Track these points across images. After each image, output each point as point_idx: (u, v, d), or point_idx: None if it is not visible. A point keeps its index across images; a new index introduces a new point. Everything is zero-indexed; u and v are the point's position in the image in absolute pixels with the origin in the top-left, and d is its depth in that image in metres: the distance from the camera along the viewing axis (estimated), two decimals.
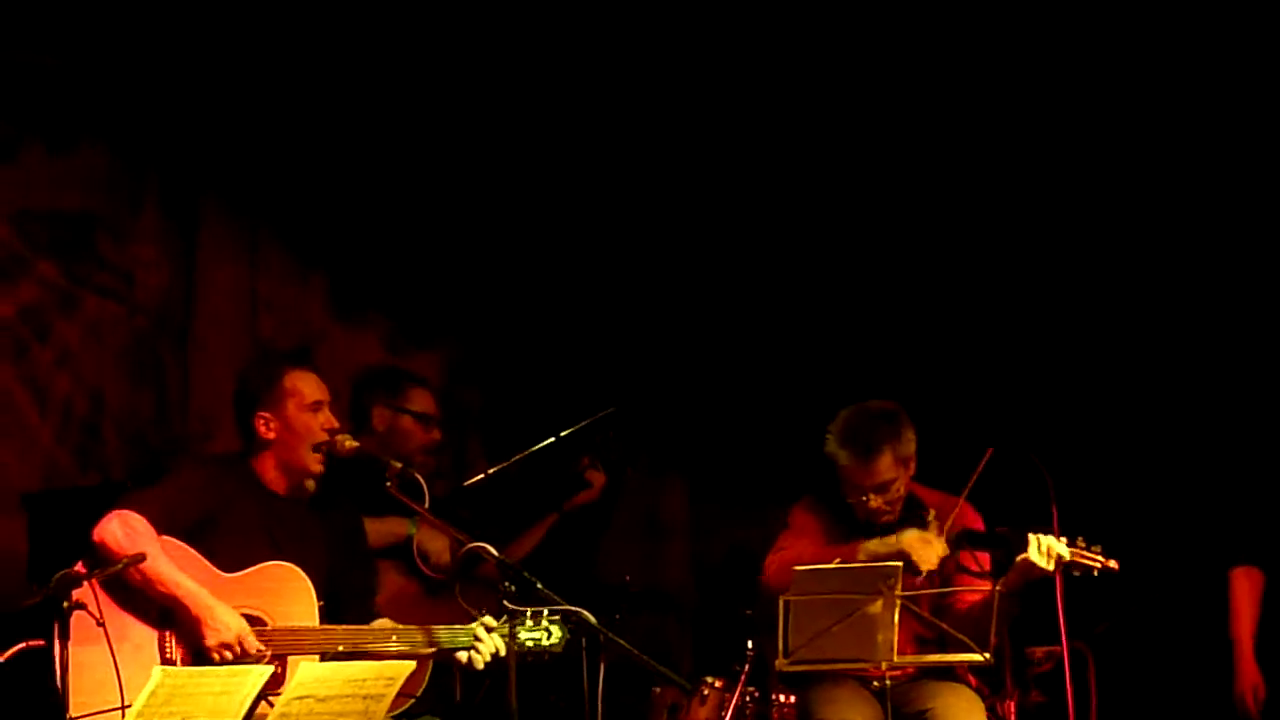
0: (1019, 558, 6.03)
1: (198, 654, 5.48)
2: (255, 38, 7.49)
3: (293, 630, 5.59)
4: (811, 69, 8.09)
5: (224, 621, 5.47)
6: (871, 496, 6.31)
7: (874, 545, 6.13)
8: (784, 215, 8.34)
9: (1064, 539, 6.02)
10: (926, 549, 6.04)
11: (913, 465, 6.39)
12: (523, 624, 5.68)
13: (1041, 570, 5.99)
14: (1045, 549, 5.98)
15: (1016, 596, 6.08)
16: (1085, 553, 6.01)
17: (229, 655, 5.45)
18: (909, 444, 6.36)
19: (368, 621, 5.80)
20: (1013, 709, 6.61)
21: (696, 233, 8.36)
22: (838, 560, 6.05)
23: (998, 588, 5.88)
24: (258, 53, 7.52)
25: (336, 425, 5.84)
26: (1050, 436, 6.96)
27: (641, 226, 8.32)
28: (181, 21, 7.34)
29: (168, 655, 5.48)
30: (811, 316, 8.37)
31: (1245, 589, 6.89)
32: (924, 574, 6.03)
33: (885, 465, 6.31)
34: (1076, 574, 6.01)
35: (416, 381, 6.92)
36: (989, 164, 8.14)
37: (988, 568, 6.24)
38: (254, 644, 5.48)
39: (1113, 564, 6.04)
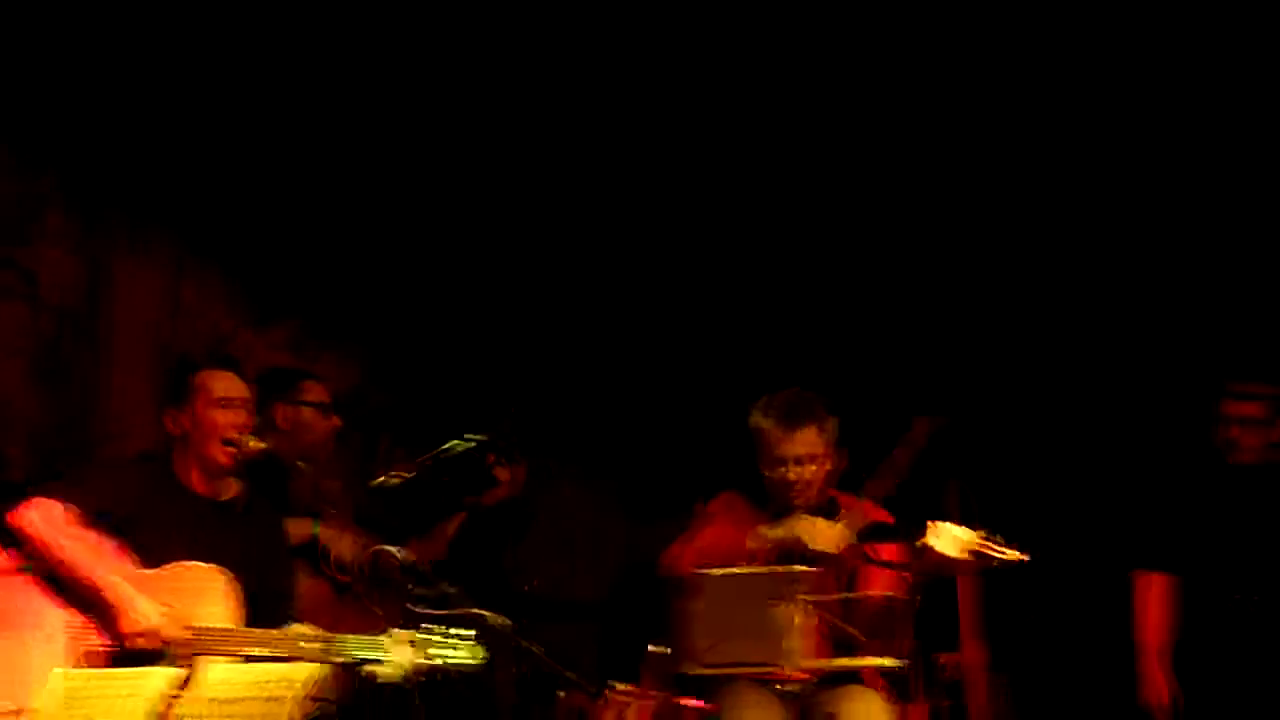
0: (918, 543, 6.06)
1: (116, 643, 5.46)
2: (160, 32, 7.43)
3: (206, 630, 5.56)
4: (748, 58, 8.09)
5: (142, 610, 5.47)
6: (791, 467, 6.34)
7: (768, 530, 6.16)
8: (697, 219, 8.34)
9: (972, 530, 6.05)
10: (821, 534, 6.07)
11: (832, 458, 6.40)
12: (433, 639, 5.68)
13: (944, 557, 6.01)
14: (951, 538, 6.02)
15: (918, 589, 6.11)
16: (990, 544, 6.03)
17: (145, 644, 5.44)
18: (832, 430, 6.40)
19: (284, 624, 5.79)
20: (920, 715, 6.64)
21: (608, 237, 8.34)
22: (736, 555, 6.07)
23: (905, 596, 5.90)
24: (163, 49, 7.45)
25: (246, 424, 5.86)
26: (965, 441, 7.00)
27: (552, 230, 8.30)
28: (88, 17, 7.27)
29: (80, 645, 5.47)
30: (722, 325, 8.37)
31: (1153, 596, 6.93)
32: (818, 556, 6.03)
33: (808, 437, 6.34)
34: (979, 565, 6.03)
35: (308, 375, 6.96)
36: (910, 170, 8.18)
37: (897, 558, 6.28)
38: (171, 632, 5.45)
39: (1020, 555, 6.05)
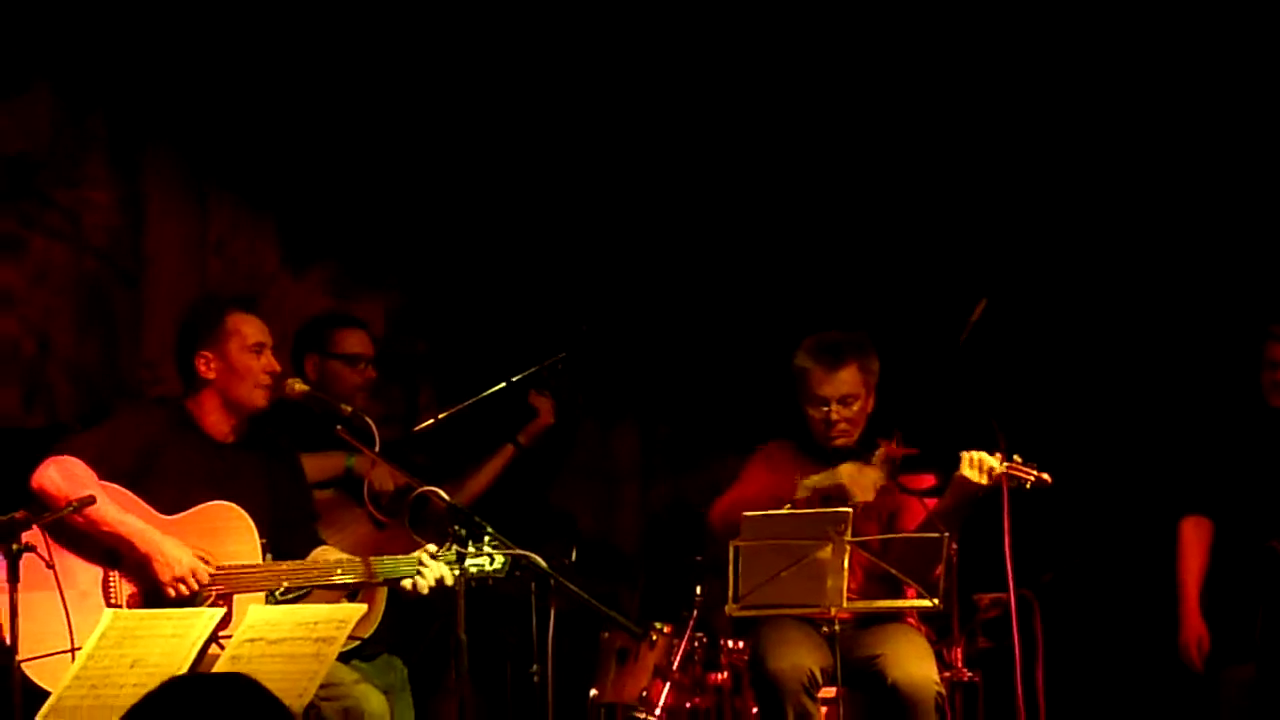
0: (954, 475, 6.11)
1: (148, 593, 5.48)
2: None
3: (237, 568, 5.59)
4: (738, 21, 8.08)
5: (174, 556, 5.47)
6: (835, 408, 6.38)
7: (812, 479, 6.23)
8: (742, 167, 8.32)
9: (1001, 456, 6.09)
10: (863, 479, 6.14)
11: (873, 399, 6.44)
12: (465, 554, 5.69)
13: (975, 484, 6.06)
14: (977, 462, 6.06)
15: (956, 519, 6.15)
16: (1019, 466, 6.07)
17: (184, 589, 5.46)
18: (874, 369, 6.47)
19: (310, 550, 5.82)
20: (960, 655, 6.67)
21: (650, 181, 8.33)
22: (779, 502, 6.12)
23: (942, 532, 5.93)
24: None
25: (278, 369, 5.87)
26: (1004, 385, 7.00)
27: (594, 175, 8.28)
28: None
29: (113, 599, 5.47)
30: (763, 266, 8.36)
31: (1193, 539, 6.93)
32: (860, 505, 6.08)
33: (850, 377, 6.40)
34: (1012, 485, 6.06)
35: (346, 323, 6.92)
36: (932, 123, 8.16)
37: (933, 484, 6.33)
38: (205, 573, 5.48)
39: (1046, 476, 6.10)
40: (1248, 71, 7.77)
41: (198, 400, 5.83)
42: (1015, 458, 6.13)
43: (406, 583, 5.67)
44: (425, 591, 5.63)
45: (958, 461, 6.17)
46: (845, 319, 6.82)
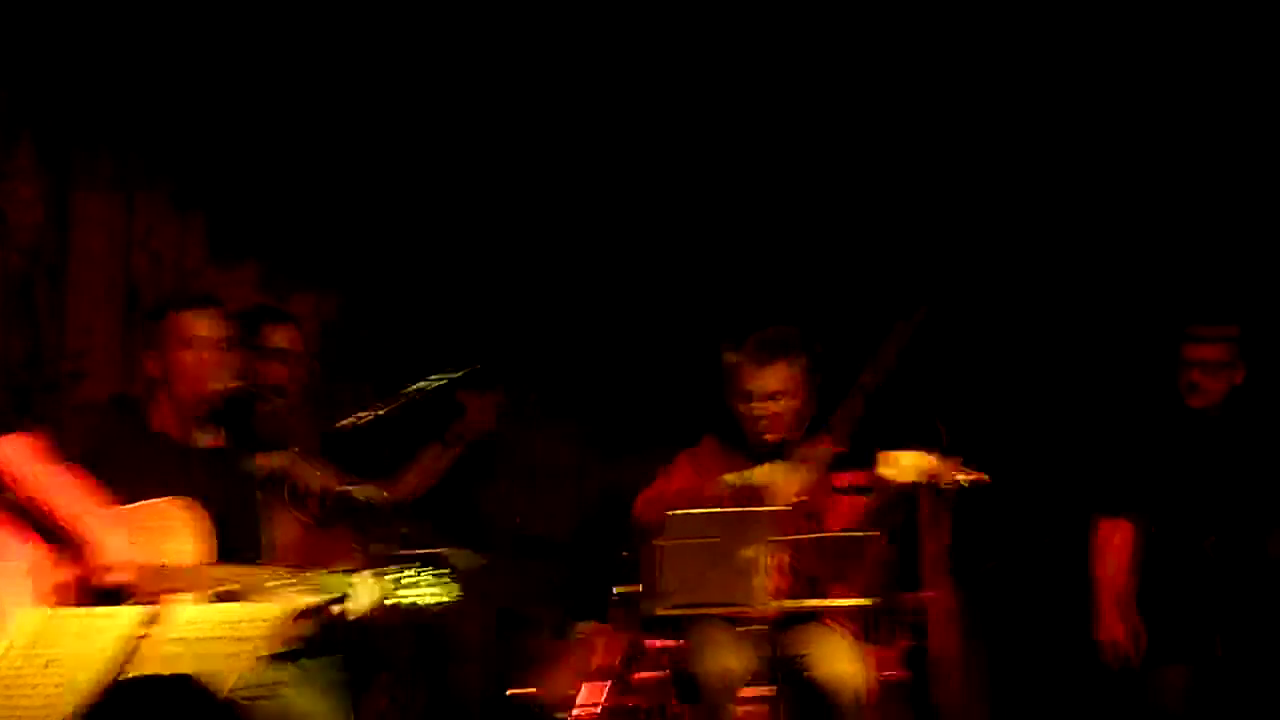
0: (874, 472, 6.11)
1: (80, 579, 5.45)
2: None
3: (169, 568, 5.56)
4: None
5: (111, 545, 5.45)
6: (761, 404, 6.37)
7: (730, 478, 6.21)
8: (671, 155, 8.32)
9: (925, 456, 6.08)
10: (783, 483, 6.11)
11: (803, 395, 6.42)
12: (403, 581, 5.69)
13: (894, 482, 6.05)
14: (893, 461, 6.05)
15: (885, 518, 6.15)
16: (946, 465, 6.05)
17: (113, 580, 5.44)
18: (802, 366, 6.44)
19: (253, 556, 5.81)
20: (886, 653, 6.69)
21: (586, 175, 8.33)
22: (700, 499, 6.10)
23: (871, 532, 5.94)
24: None
25: (218, 364, 5.85)
26: (935, 384, 7.03)
27: (525, 170, 8.28)
28: None
29: (44, 580, 5.43)
30: (699, 260, 8.36)
31: (1112, 541, 6.96)
32: (782, 506, 6.06)
33: (778, 373, 6.40)
34: (942, 485, 6.05)
35: (276, 318, 6.87)
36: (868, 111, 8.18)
37: (861, 482, 6.33)
38: (140, 564, 5.46)
39: (980, 475, 6.08)
40: (1159, 76, 7.82)
41: (154, 400, 5.86)
42: (946, 460, 6.12)
43: (335, 607, 5.66)
44: (350, 618, 5.63)
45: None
46: (784, 318, 6.82)
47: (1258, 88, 7.75)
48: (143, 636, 5.04)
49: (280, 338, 6.79)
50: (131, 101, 7.51)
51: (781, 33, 8.15)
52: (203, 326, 5.86)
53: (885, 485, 6.11)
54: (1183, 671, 6.76)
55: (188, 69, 7.59)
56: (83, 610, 5.11)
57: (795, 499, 6.15)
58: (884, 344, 6.30)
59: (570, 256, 8.36)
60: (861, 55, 8.13)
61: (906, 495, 6.12)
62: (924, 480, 6.07)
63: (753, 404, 6.41)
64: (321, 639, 6.10)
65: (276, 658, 5.65)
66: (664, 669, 6.73)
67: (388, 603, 5.59)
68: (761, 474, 6.19)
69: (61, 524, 5.46)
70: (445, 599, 5.72)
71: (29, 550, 5.47)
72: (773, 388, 6.41)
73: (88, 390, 7.19)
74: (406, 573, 5.69)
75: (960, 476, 6.08)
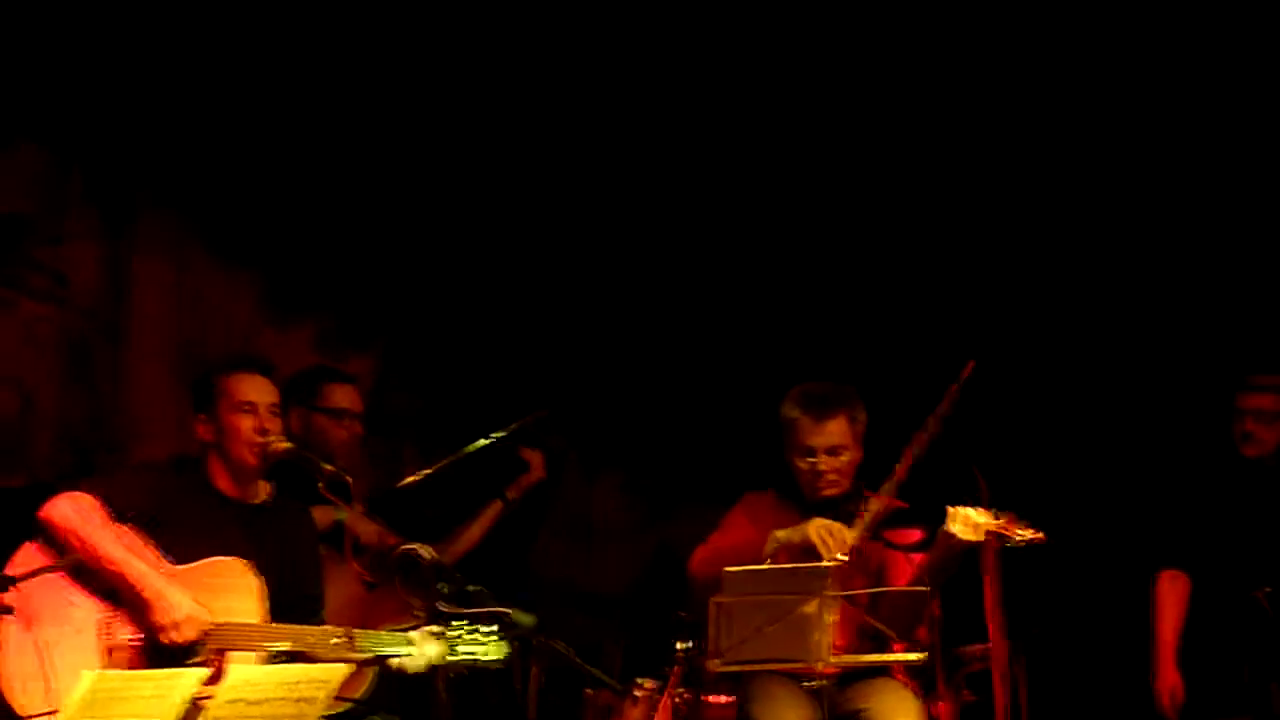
0: (940, 529, 6.10)
1: (146, 638, 5.49)
2: (188, 37, 7.45)
3: (235, 625, 5.59)
4: (760, 53, 8.12)
5: (175, 602, 5.49)
6: (823, 458, 6.38)
7: (783, 533, 6.20)
8: (720, 213, 8.33)
9: (989, 512, 6.08)
10: (833, 538, 6.10)
11: (860, 450, 6.43)
12: (462, 637, 5.72)
13: (961, 540, 6.04)
14: (964, 518, 6.04)
15: (943, 574, 6.13)
16: (1008, 524, 6.05)
17: (178, 637, 5.45)
18: (861, 421, 6.46)
19: (313, 616, 5.84)
20: (946, 709, 6.65)
21: (629, 233, 8.34)
22: (755, 556, 6.10)
23: (924, 567, 5.93)
24: (191, 52, 7.48)
25: (267, 427, 5.86)
26: (985, 438, 7.01)
27: (574, 228, 8.30)
28: (114, 22, 7.30)
29: (108, 640, 5.48)
30: (747, 317, 8.37)
31: (1169, 592, 6.95)
32: (834, 562, 6.05)
33: (838, 428, 6.39)
34: (1000, 544, 6.05)
35: (334, 378, 6.92)
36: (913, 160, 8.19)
37: (918, 539, 6.32)
38: (205, 622, 5.47)
39: (1037, 534, 6.07)
40: (1215, 137, 7.81)
41: (207, 461, 5.89)
42: (1003, 516, 6.11)
43: (394, 661, 5.69)
44: (411, 671, 5.66)
45: (943, 516, 6.17)
46: (830, 372, 6.82)
47: None
48: (205, 698, 5.07)
49: (341, 397, 6.83)
50: (188, 163, 7.57)
51: (834, 97, 8.18)
52: (252, 390, 5.90)
53: (952, 542, 6.09)
54: None
55: (244, 132, 7.64)
56: (146, 672, 5.16)
57: (848, 553, 6.13)
58: (940, 403, 6.28)
59: (621, 313, 8.36)
60: (911, 113, 8.14)
61: (968, 552, 6.10)
62: (991, 539, 6.05)
63: (815, 459, 6.41)
64: (377, 699, 6.12)
65: (343, 717, 5.69)
66: None
67: (447, 659, 5.61)
68: (810, 529, 6.16)
69: (124, 583, 5.49)
70: (501, 655, 5.76)
71: (92, 610, 5.49)
72: (833, 442, 6.41)
73: (147, 449, 7.23)
74: (463, 629, 5.72)
75: (1022, 534, 6.07)
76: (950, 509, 6.12)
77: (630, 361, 8.36)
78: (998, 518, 6.08)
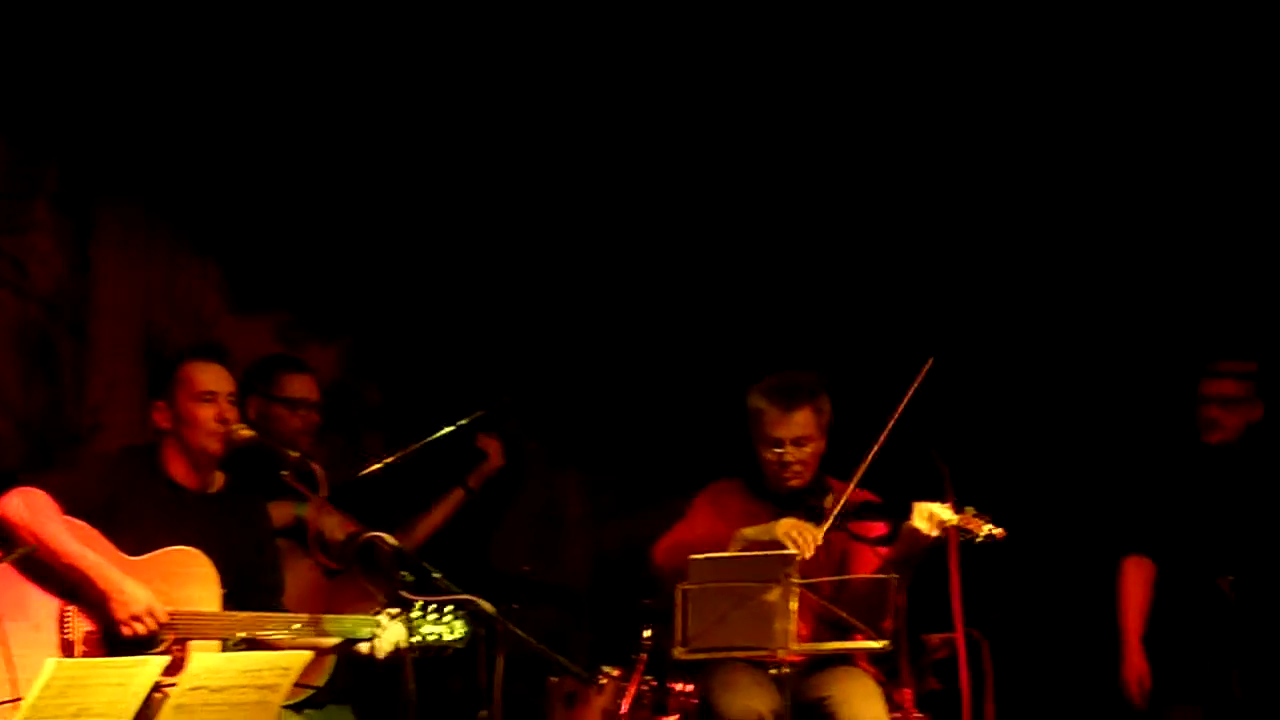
0: (904, 525, 6.11)
1: (105, 631, 5.48)
2: (150, 28, 7.42)
3: (195, 614, 5.57)
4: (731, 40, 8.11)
5: (132, 594, 5.47)
6: (789, 449, 6.39)
7: (750, 531, 6.24)
8: (684, 204, 8.33)
9: (950, 507, 6.09)
10: (802, 537, 6.11)
11: (825, 440, 6.45)
12: (425, 619, 5.72)
13: (926, 536, 6.07)
14: (928, 515, 6.07)
15: (907, 567, 6.14)
16: (972, 519, 6.08)
17: (140, 628, 5.44)
18: (827, 412, 6.50)
19: (271, 602, 5.84)
20: (909, 696, 6.67)
21: (593, 224, 8.34)
22: (720, 549, 6.12)
23: (890, 557, 5.94)
24: (156, 45, 7.45)
25: (229, 416, 5.84)
26: (947, 426, 7.02)
27: (540, 220, 8.29)
28: (81, 16, 7.28)
29: (67, 634, 5.47)
30: (711, 307, 8.37)
31: (1134, 579, 6.96)
32: (801, 558, 6.06)
33: (804, 419, 6.42)
34: (963, 539, 6.07)
35: (291, 368, 6.89)
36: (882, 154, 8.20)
37: (883, 533, 6.33)
38: (163, 613, 5.46)
39: (998, 531, 6.11)
40: (1175, 132, 7.84)
41: (163, 449, 5.86)
42: (968, 510, 6.13)
43: (364, 646, 5.69)
44: (380, 657, 5.66)
45: (909, 511, 6.18)
46: (792, 362, 6.83)
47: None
48: (168, 685, 5.06)
49: (297, 387, 6.81)
50: (150, 153, 7.54)
51: (797, 92, 8.18)
52: (212, 379, 5.88)
53: (917, 537, 6.11)
54: (1197, 712, 6.74)
55: (206, 121, 7.62)
56: (109, 660, 5.14)
57: (810, 554, 6.12)
58: (900, 400, 6.29)
59: (586, 304, 8.36)
60: (871, 106, 8.14)
61: (932, 545, 6.12)
62: (955, 533, 6.07)
63: (781, 450, 6.42)
64: (337, 686, 6.12)
65: (298, 706, 5.68)
66: (688, 712, 6.72)
67: (412, 640, 5.61)
68: (778, 529, 6.18)
69: (81, 577, 5.47)
70: (463, 635, 5.75)
71: (50, 605, 5.47)
72: (799, 433, 6.43)
73: (108, 441, 7.20)
74: (427, 612, 5.71)
75: (985, 530, 6.08)
76: (916, 505, 6.14)
77: (595, 352, 8.36)
78: (960, 512, 6.10)
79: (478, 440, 7.24)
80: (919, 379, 6.32)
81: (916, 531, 6.12)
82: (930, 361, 6.33)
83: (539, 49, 8.06)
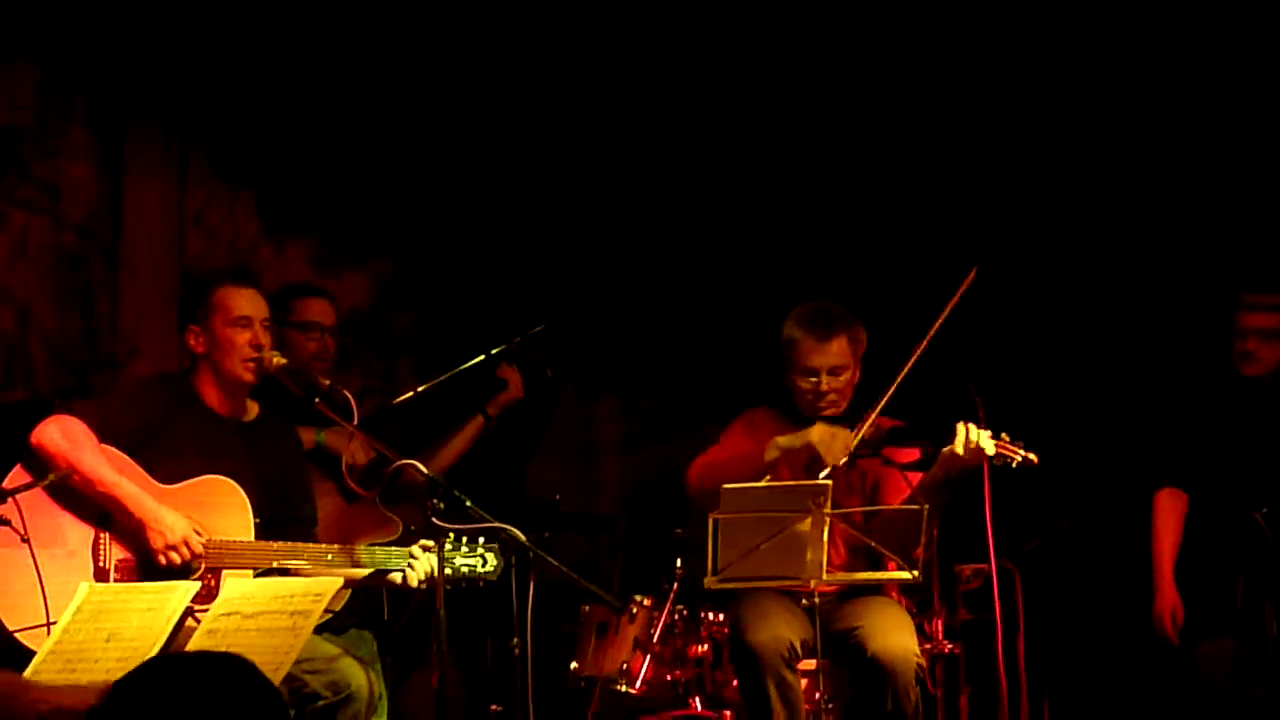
0: (944, 449, 6.09)
1: (140, 558, 5.50)
2: None
3: (228, 544, 5.59)
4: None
5: (169, 523, 5.48)
6: (824, 378, 6.38)
7: (784, 439, 6.22)
8: (718, 131, 8.30)
9: (987, 432, 6.06)
10: (835, 442, 6.11)
11: (859, 369, 6.43)
12: (457, 550, 5.73)
13: (963, 460, 6.04)
14: (967, 441, 6.03)
15: (940, 494, 6.13)
16: (1007, 445, 6.05)
17: (175, 557, 5.46)
18: (862, 341, 6.48)
19: (304, 531, 5.84)
20: (940, 626, 6.68)
21: (626, 150, 8.31)
22: (752, 463, 6.13)
23: (924, 505, 5.91)
24: None
25: (262, 342, 5.84)
26: (982, 356, 7.01)
27: (572, 145, 8.26)
28: None
29: (101, 561, 5.49)
30: (745, 234, 8.34)
31: (1168, 511, 6.93)
32: (831, 467, 6.06)
33: (840, 348, 6.40)
34: (997, 464, 6.05)
35: (308, 292, 6.88)
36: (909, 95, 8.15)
37: (917, 458, 6.31)
38: (199, 544, 5.48)
39: (1033, 456, 6.07)
40: (1215, 64, 7.77)
41: (197, 375, 5.86)
42: (1003, 435, 6.11)
43: (395, 576, 5.71)
44: (413, 585, 5.68)
45: (946, 433, 6.13)
46: (824, 288, 6.80)
47: None
48: (200, 611, 5.09)
49: (312, 310, 6.79)
50: (183, 80, 7.54)
51: (818, 25, 8.13)
52: (247, 304, 5.87)
53: (955, 462, 6.08)
54: (1228, 644, 6.71)
55: (239, 48, 7.60)
56: (142, 585, 5.17)
57: (844, 459, 6.13)
58: (939, 314, 6.26)
59: (618, 233, 8.34)
60: (898, 40, 8.09)
61: (970, 472, 6.09)
62: (993, 458, 6.04)
63: (817, 379, 6.40)
64: (356, 610, 6.13)
65: (322, 629, 5.70)
66: (719, 641, 6.74)
67: (445, 572, 5.62)
68: (812, 434, 6.18)
69: (118, 506, 5.48)
70: (497, 567, 5.77)
71: (85, 532, 5.49)
72: (835, 362, 6.41)
73: (143, 367, 7.22)
74: (460, 544, 5.74)
75: (1021, 455, 6.06)
76: (959, 425, 6.10)
77: (629, 280, 8.34)
78: (995, 438, 6.08)
79: (498, 370, 7.22)
80: (961, 289, 6.27)
81: (955, 456, 6.08)
82: (974, 272, 6.29)
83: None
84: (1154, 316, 7.83)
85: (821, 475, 6.05)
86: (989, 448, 6.04)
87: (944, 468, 6.14)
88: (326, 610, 5.30)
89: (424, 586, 5.71)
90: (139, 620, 4.92)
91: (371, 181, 7.97)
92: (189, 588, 5.06)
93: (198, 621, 5.07)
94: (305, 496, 6.01)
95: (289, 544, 5.67)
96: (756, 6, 8.13)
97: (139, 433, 5.63)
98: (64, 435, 5.50)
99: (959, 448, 6.06)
